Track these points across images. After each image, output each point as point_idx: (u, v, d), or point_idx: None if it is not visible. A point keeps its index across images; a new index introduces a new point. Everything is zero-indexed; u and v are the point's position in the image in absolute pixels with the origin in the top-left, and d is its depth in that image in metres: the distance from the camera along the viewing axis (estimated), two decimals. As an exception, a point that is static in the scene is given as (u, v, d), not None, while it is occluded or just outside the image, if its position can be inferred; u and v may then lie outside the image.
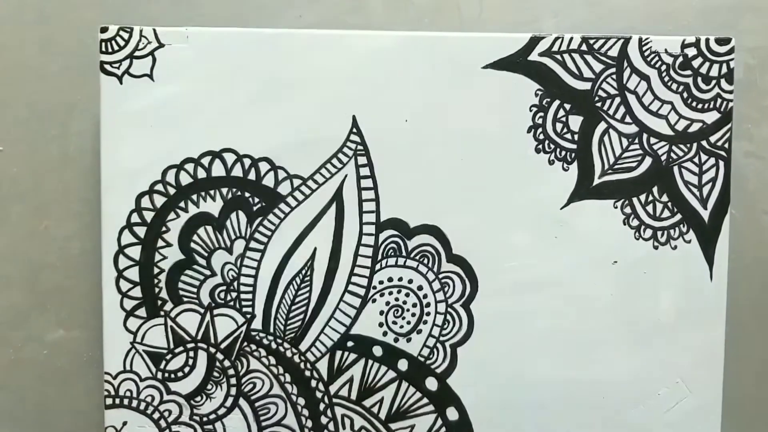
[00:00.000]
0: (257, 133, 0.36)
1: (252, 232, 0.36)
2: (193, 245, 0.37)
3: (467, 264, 0.37)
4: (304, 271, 0.37)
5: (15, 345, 0.40)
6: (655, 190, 0.37)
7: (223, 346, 0.37)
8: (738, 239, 0.40)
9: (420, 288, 0.37)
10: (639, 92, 0.37)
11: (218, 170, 0.36)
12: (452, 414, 0.37)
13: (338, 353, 0.37)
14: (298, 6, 0.40)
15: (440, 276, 0.37)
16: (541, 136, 0.37)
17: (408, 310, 0.37)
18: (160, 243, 0.36)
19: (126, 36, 0.36)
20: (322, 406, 0.37)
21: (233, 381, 0.37)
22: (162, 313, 0.37)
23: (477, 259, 0.37)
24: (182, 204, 0.37)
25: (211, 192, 0.36)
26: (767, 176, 0.40)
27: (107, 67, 0.36)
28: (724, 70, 0.37)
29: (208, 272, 0.37)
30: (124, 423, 0.37)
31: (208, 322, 0.37)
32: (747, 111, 0.40)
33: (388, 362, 0.37)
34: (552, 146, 0.37)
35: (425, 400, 0.37)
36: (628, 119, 0.37)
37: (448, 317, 0.37)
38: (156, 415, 0.37)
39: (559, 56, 0.36)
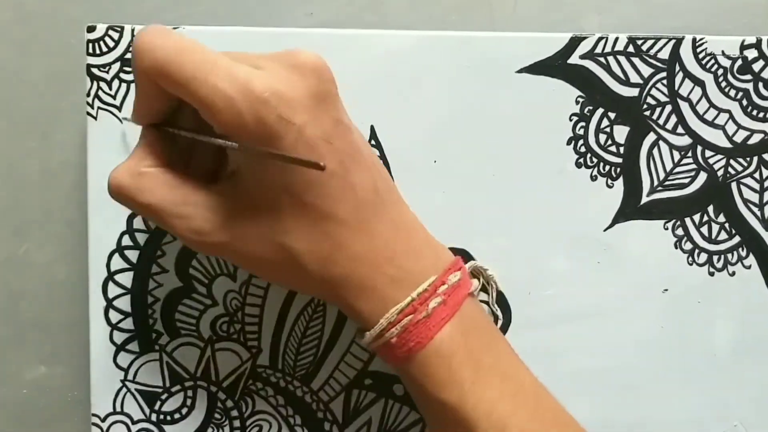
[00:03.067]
0: (264, 145, 0.35)
1: None
2: (191, 271, 0.36)
3: (499, 292, 0.36)
4: (316, 301, 0.36)
5: (-9, 382, 0.40)
6: (710, 209, 0.37)
7: (225, 384, 0.36)
8: (803, 264, 0.39)
9: (446, 319, 0.36)
10: (692, 99, 0.36)
11: (220, 187, 0.36)
12: (483, 460, 0.36)
13: (355, 392, 0.37)
14: (309, 2, 0.39)
15: (469, 306, 0.36)
16: (583, 149, 0.36)
17: None
18: (155, 269, 0.36)
19: (116, 36, 0.35)
20: (336, 453, 0.37)
21: (237, 423, 0.37)
22: (157, 347, 0.36)
23: (510, 287, 0.36)
24: None
25: None
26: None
27: (95, 70, 0.35)
28: (789, 74, 0.36)
29: (208, 301, 0.36)
30: (115, 471, 0.36)
31: (208, 358, 0.36)
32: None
33: (410, 402, 0.36)
34: (595, 160, 0.36)
35: (452, 445, 0.36)
36: (680, 130, 0.36)
37: (478, 352, 0.36)
38: (150, 463, 0.37)
39: (602, 59, 0.36)
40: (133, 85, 0.35)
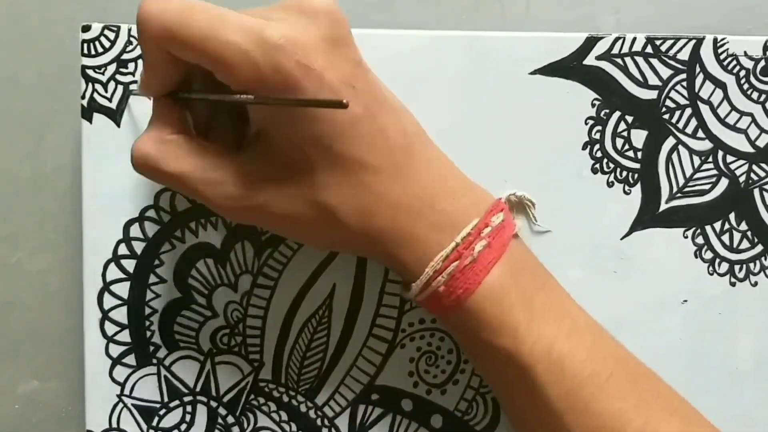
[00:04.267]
0: (266, 150, 0.36)
1: (260, 265, 0.36)
2: (190, 281, 0.36)
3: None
4: (320, 312, 0.36)
5: (-18, 397, 0.40)
6: (732, 216, 0.36)
7: (226, 399, 0.36)
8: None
9: (457, 331, 0.36)
10: (713, 102, 0.36)
11: (221, 194, 0.35)
12: (494, 479, 0.36)
13: (361, 408, 0.36)
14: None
15: (480, 317, 0.36)
16: (599, 154, 0.36)
17: (443, 357, 0.36)
18: (153, 279, 0.36)
19: (112, 36, 0.35)
20: (342, 471, 0.36)
21: (238, 440, 0.36)
22: (154, 360, 0.36)
23: (523, 298, 0.36)
24: (178, 233, 0.36)
25: (213, 219, 0.36)
26: None
27: (90, 71, 0.35)
28: (814, 76, 0.36)
29: (208, 313, 0.36)
30: (111, 490, 0.36)
31: (208, 371, 0.36)
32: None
33: (420, 418, 0.36)
34: (611, 165, 0.36)
35: (463, 463, 0.36)
36: (700, 134, 0.36)
37: (490, 365, 0.36)
38: (147, 481, 0.36)
39: (620, 60, 0.35)
40: (129, 87, 0.35)
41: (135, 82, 0.35)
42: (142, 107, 0.35)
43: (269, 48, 0.27)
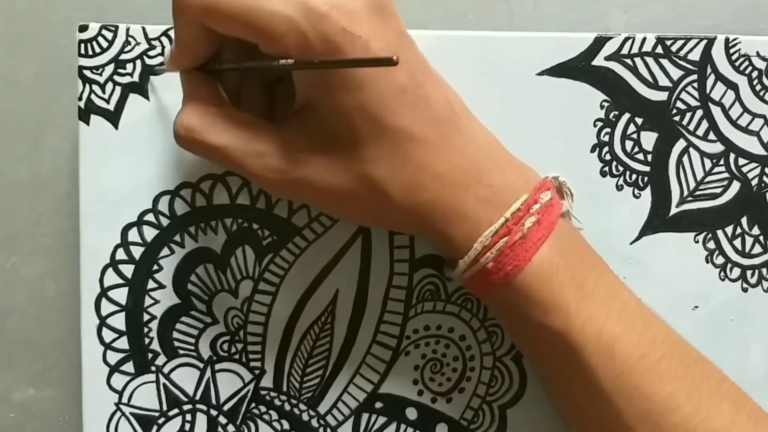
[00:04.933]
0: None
1: (261, 271, 0.35)
2: (190, 287, 0.35)
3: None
4: (323, 318, 0.35)
5: (-24, 405, 0.40)
6: (743, 220, 0.36)
7: (226, 407, 0.36)
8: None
9: (462, 338, 0.36)
10: (725, 103, 0.35)
11: (221, 197, 0.35)
12: (501, 489, 0.36)
13: (364, 416, 0.36)
14: None
15: (486, 324, 0.36)
16: (608, 157, 0.35)
17: (448, 364, 0.36)
18: (151, 284, 0.35)
19: (109, 36, 0.35)
20: (345, 481, 0.36)
21: (239, 450, 0.36)
22: (153, 368, 0.36)
23: (531, 304, 0.36)
24: (177, 238, 0.35)
25: (213, 223, 0.35)
26: None
27: (87, 72, 0.35)
28: (828, 77, 0.36)
29: (208, 319, 0.35)
30: (108, 501, 0.36)
31: (208, 379, 0.36)
32: None
33: (425, 427, 0.36)
34: (621, 168, 0.35)
35: (469, 473, 0.36)
36: (711, 136, 0.35)
37: (496, 373, 0.36)
38: (146, 492, 0.36)
39: (629, 60, 0.35)
40: (128, 88, 0.34)
41: (135, 83, 0.34)
42: (141, 108, 0.35)
43: (315, 16, 0.26)
